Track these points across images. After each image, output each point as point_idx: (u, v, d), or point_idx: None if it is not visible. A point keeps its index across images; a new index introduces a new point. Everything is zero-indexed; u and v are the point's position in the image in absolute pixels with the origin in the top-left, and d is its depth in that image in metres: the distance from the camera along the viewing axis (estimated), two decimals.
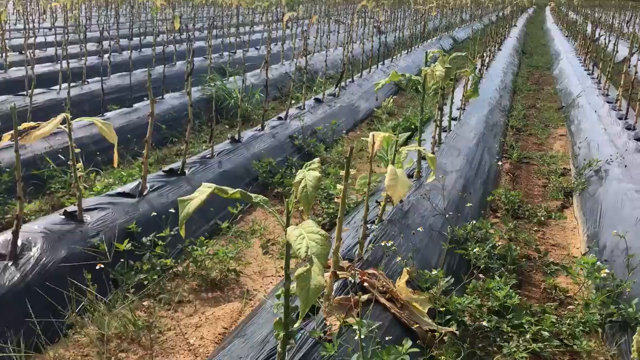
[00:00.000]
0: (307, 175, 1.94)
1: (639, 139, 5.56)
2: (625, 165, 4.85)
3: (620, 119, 6.43)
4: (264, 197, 1.92)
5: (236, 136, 5.14)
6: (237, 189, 1.84)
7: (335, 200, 4.20)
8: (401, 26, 16.94)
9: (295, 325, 1.95)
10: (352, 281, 2.55)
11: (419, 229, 3.33)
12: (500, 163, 5.68)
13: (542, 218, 4.48)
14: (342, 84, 8.09)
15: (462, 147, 5.33)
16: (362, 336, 2.13)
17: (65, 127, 2.96)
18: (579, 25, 16.79)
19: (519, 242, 3.96)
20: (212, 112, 7.11)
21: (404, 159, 3.75)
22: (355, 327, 2.23)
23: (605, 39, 12.57)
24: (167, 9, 18.81)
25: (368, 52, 10.18)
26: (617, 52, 11.01)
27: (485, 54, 10.02)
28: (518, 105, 8.66)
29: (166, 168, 4.19)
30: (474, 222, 3.71)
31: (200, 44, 11.46)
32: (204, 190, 1.81)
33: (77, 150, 3.10)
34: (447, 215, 3.62)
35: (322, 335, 2.29)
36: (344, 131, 6.84)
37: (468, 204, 4.22)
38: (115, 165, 3.11)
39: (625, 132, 5.88)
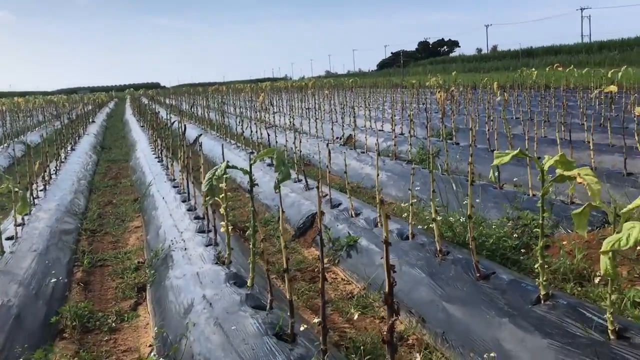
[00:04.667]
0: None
1: (197, 218, 5.98)
2: (185, 248, 5.10)
3: (184, 201, 6.85)
4: None
5: None
6: None
7: None
8: None
9: None
10: None
11: None
12: (63, 279, 5.30)
13: (114, 324, 4.30)
14: None
15: (18, 270, 4.78)
16: None
17: None
18: (150, 114, 17.79)
19: None
20: None
21: None
22: None
23: (171, 124, 13.58)
24: None
25: None
26: (186, 136, 11.97)
27: (52, 158, 9.57)
28: (94, 205, 8.47)
29: None
30: (24, 357, 3.26)
31: None
32: None
33: None
34: None
35: None
36: None
37: (23, 335, 3.73)
38: None
39: (187, 213, 6.27)
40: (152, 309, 4.50)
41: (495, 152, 3.38)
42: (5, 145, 15.34)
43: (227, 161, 3.86)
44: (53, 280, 4.85)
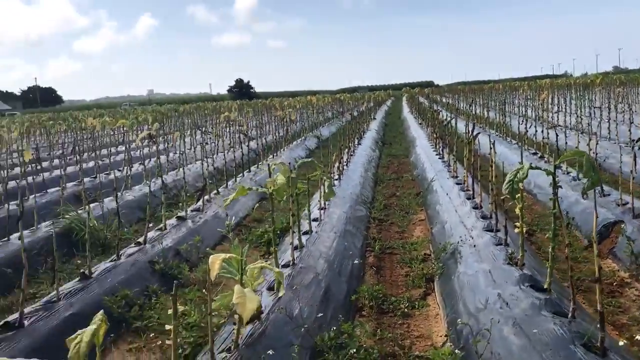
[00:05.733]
0: (86, 331, 1.81)
1: (484, 217, 5.96)
2: (475, 245, 5.13)
3: (468, 199, 6.89)
4: None
5: (87, 272, 4.83)
6: None
7: (167, 342, 4.01)
8: (267, 131, 17.48)
9: None
10: None
11: (269, 351, 3.21)
12: (359, 261, 5.78)
13: (406, 309, 4.55)
14: (207, 197, 8.02)
15: (323, 249, 5.38)
16: None
17: None
18: (429, 112, 18.24)
19: (383, 341, 3.96)
20: (69, 246, 6.74)
21: (258, 275, 3.68)
22: None
23: (452, 122, 13.73)
24: (24, 139, 18.06)
25: (234, 161, 10.29)
26: (461, 134, 12.04)
27: (344, 151, 10.49)
28: (379, 195, 9.05)
29: (1, 322, 3.79)
30: (334, 328, 3.68)
31: (58, 172, 10.99)
32: None
33: None
34: (303, 328, 3.55)
35: None
36: (210, 246, 6.69)
37: (331, 307, 4.20)
38: None
39: (473, 211, 6.29)
40: (442, 300, 4.64)
41: None
42: (302, 138, 17.32)
43: (530, 163, 3.78)
44: (352, 262, 5.35)
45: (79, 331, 1.83)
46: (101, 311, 1.96)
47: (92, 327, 1.82)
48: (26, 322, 3.83)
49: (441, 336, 4.09)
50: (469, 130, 9.67)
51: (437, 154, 11.26)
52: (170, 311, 4.38)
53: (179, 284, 5.40)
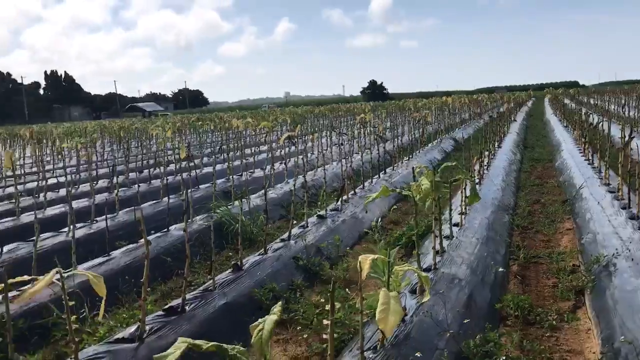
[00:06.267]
0: (267, 319, 1.94)
1: None
2: (632, 259, 4.77)
3: (623, 208, 6.41)
4: (242, 348, 1.90)
5: (238, 263, 5.17)
6: (212, 343, 1.84)
7: (324, 336, 4.14)
8: (401, 133, 17.45)
9: None
10: None
11: (417, 354, 3.23)
12: (503, 269, 5.60)
13: (554, 322, 4.35)
14: (345, 197, 8.21)
15: (465, 255, 5.29)
16: None
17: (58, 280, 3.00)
18: (576, 114, 17.16)
19: (531, 352, 3.83)
20: (219, 239, 7.25)
21: (402, 277, 3.73)
22: None
23: (602, 125, 12.82)
24: (175, 138, 19.58)
25: (370, 163, 10.43)
26: (613, 137, 11.19)
27: (484, 154, 10.20)
28: (522, 202, 8.69)
29: (166, 306, 4.19)
30: (480, 335, 3.62)
31: (209, 169, 11.83)
32: (179, 345, 1.82)
33: (71, 303, 3.12)
34: (449, 333, 3.53)
35: None
36: (349, 246, 6.84)
37: (475, 314, 4.13)
38: (100, 318, 3.12)
39: (629, 222, 5.84)
40: (594, 315, 4.37)
41: None
42: (438, 140, 17.07)
43: None
44: (495, 269, 5.21)
45: (260, 320, 1.98)
46: (279, 303, 2.10)
47: (272, 316, 1.97)
48: (187, 308, 4.19)
49: (594, 352, 3.87)
50: (624, 135, 9.00)
51: (585, 159, 10.56)
52: (315, 307, 4.56)
53: (321, 281, 5.63)
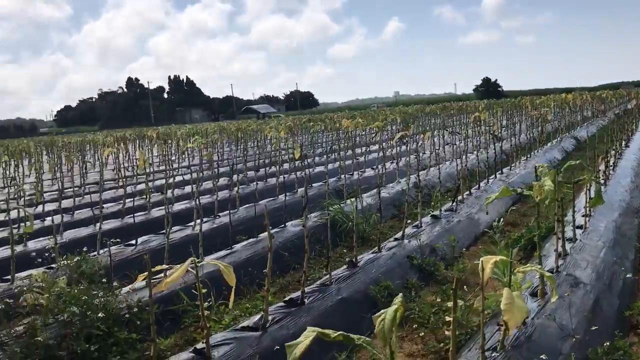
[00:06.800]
0: (389, 310, 1.99)
1: None
2: None
3: None
4: (367, 339, 1.98)
5: (353, 260, 5.27)
6: (339, 332, 1.93)
7: (446, 332, 4.11)
8: (518, 131, 16.78)
9: None
10: None
11: (542, 356, 3.15)
12: (631, 275, 5.26)
13: None
14: (460, 197, 8.08)
15: (590, 258, 5.04)
16: None
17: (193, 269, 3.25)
18: None
19: None
20: (332, 236, 7.40)
21: (522, 280, 3.64)
22: None
23: None
24: (289, 139, 20.17)
25: (485, 162, 10.16)
26: None
27: (610, 153, 9.59)
28: None
29: (287, 298, 4.37)
30: (608, 343, 3.44)
31: (321, 169, 12.10)
32: (309, 334, 1.93)
33: (204, 291, 3.36)
34: (574, 338, 3.40)
35: None
36: (465, 247, 6.73)
37: (601, 321, 3.93)
38: (230, 306, 3.32)
39: None
40: None
41: None
42: (558, 139, 16.24)
43: None
44: (623, 275, 4.91)
45: (382, 310, 2.05)
46: (399, 295, 2.16)
47: (393, 307, 2.03)
48: (306, 301, 4.35)
49: None
50: None
51: None
52: (431, 306, 4.55)
53: (435, 281, 5.60)
